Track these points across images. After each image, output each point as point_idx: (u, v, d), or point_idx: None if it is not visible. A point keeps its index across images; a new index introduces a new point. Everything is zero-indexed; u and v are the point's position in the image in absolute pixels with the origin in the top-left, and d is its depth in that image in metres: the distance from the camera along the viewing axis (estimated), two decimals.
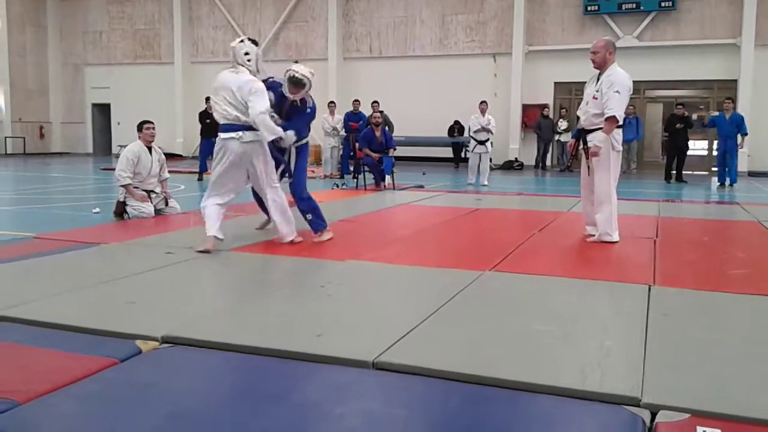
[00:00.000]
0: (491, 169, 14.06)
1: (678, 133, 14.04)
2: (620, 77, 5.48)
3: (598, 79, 5.62)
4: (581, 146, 5.77)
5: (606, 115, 5.43)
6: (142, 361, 2.77)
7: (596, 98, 5.54)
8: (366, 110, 12.75)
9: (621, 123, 5.55)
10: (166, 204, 7.62)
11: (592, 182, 5.74)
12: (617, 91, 5.40)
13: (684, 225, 7.36)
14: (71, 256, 4.92)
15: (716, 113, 14.14)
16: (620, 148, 5.69)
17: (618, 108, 5.42)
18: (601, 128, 5.53)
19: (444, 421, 2.25)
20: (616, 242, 5.62)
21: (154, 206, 7.42)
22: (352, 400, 2.40)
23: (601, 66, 5.61)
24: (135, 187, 7.26)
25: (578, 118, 5.96)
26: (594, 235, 5.79)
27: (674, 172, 14.29)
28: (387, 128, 13.86)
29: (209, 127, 13.64)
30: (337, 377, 2.62)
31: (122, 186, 7.24)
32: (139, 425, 2.17)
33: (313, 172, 15.31)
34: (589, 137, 5.65)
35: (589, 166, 5.75)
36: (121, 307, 3.57)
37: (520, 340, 3.07)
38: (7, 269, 4.45)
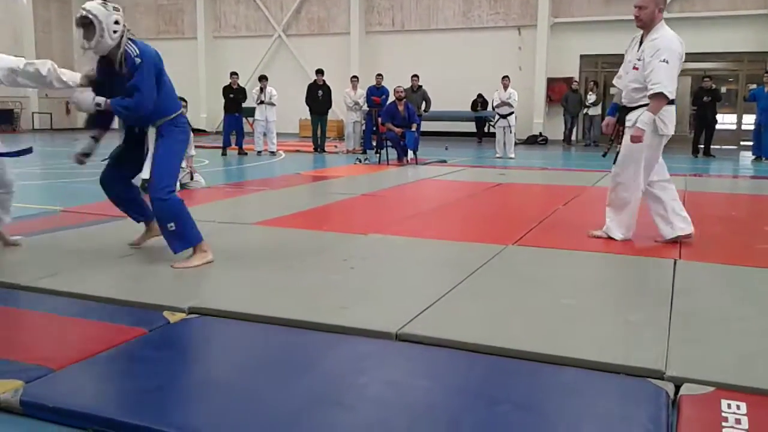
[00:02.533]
0: (515, 143, 13.96)
1: (706, 107, 13.79)
2: (668, 41, 4.36)
3: (640, 44, 4.53)
4: (621, 127, 4.65)
5: (651, 91, 4.29)
6: (170, 331, 2.83)
7: (637, 68, 4.43)
8: (398, 82, 12.63)
9: (672, 99, 4.37)
10: (191, 178, 7.69)
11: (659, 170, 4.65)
12: (665, 60, 4.27)
13: (711, 199, 7.26)
14: (98, 230, 5.01)
15: (754, 86, 13.87)
16: (668, 131, 4.48)
17: (667, 81, 4.26)
18: (643, 105, 4.40)
19: (467, 392, 2.28)
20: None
21: (180, 180, 7.49)
22: (375, 370, 2.44)
23: (647, 25, 4.45)
24: None
25: (606, 94, 5.34)
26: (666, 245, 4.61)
27: (702, 146, 14.06)
28: (425, 104, 13.81)
29: (233, 102, 13.70)
30: (360, 348, 2.65)
31: None
32: (168, 393, 2.22)
33: (335, 147, 15.33)
34: (630, 116, 4.51)
35: (617, 153, 4.67)
36: (149, 279, 3.63)
37: (543, 313, 3.07)
38: (36, 242, 4.55)
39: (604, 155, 4.99)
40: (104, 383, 2.32)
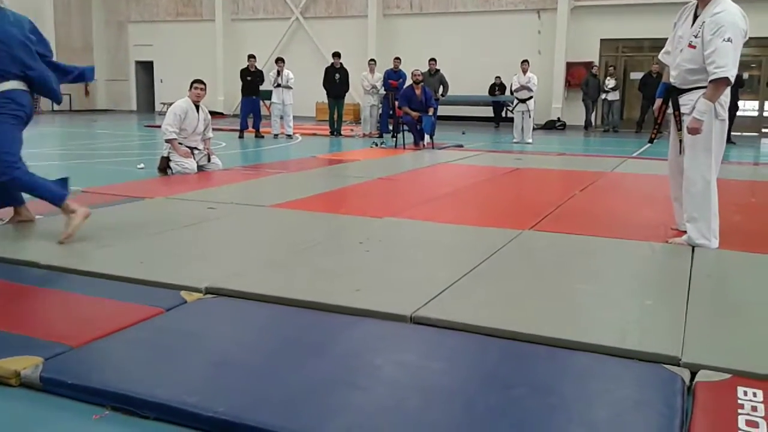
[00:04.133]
0: (533, 128, 13.87)
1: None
2: (732, 16, 3.78)
3: (694, 18, 3.97)
4: (672, 111, 4.14)
5: (713, 76, 3.77)
6: (187, 310, 2.85)
7: (694, 46, 3.87)
8: (415, 66, 12.59)
9: (734, 82, 3.87)
10: (209, 160, 7.73)
11: (683, 162, 4.13)
12: (728, 39, 3.73)
13: (731, 186, 7.17)
14: (117, 210, 5.05)
15: None
16: (725, 115, 4.01)
17: (731, 65, 3.75)
18: (698, 88, 3.92)
19: (481, 375, 2.28)
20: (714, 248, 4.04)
21: (197, 162, 7.53)
22: (390, 352, 2.44)
23: None
24: (179, 143, 7.38)
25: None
26: (681, 235, 4.24)
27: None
28: (442, 87, 13.75)
29: (250, 84, 13.71)
30: (375, 330, 2.66)
31: (167, 141, 7.35)
32: (184, 371, 2.25)
33: (352, 130, 15.31)
34: (684, 100, 4.03)
35: (681, 140, 4.11)
36: (167, 259, 3.67)
37: (558, 297, 3.06)
38: (57, 221, 4.59)
39: (650, 141, 4.53)
40: (122, 361, 2.35)
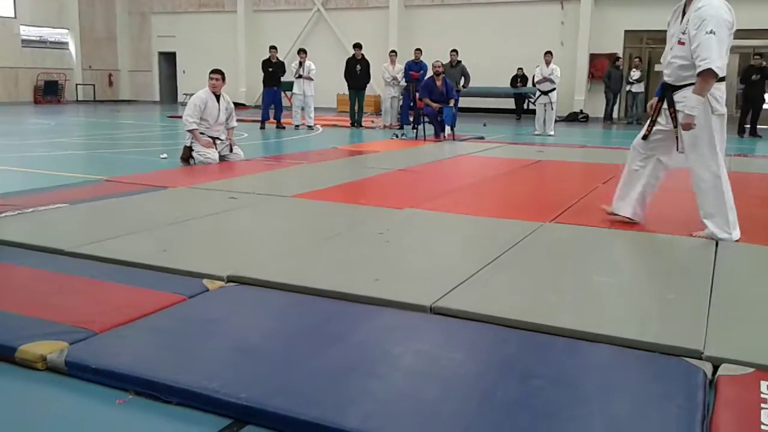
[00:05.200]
0: (555, 120, 13.76)
1: (754, 85, 13.34)
2: (714, 9, 3.86)
3: (683, 14, 4.06)
4: (668, 108, 4.17)
5: (699, 69, 3.83)
6: (209, 298, 2.88)
7: (683, 42, 3.97)
8: (437, 57, 12.55)
9: (723, 76, 3.90)
10: (231, 150, 7.77)
11: (673, 158, 4.24)
12: (711, 32, 3.80)
13: (756, 180, 7.07)
14: (141, 199, 5.11)
15: None
16: (723, 110, 4.01)
17: (715, 56, 3.79)
18: (692, 84, 3.95)
19: (500, 366, 2.28)
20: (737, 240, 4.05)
21: (219, 152, 7.59)
22: (409, 341, 2.45)
23: None
24: (201, 133, 7.43)
25: (650, 71, 4.60)
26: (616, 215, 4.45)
27: (748, 126, 13.65)
28: (464, 79, 13.69)
29: (272, 75, 13.74)
30: (395, 320, 2.67)
31: (189, 131, 7.42)
32: (206, 357, 2.28)
33: (372, 122, 15.30)
34: (677, 97, 4.08)
35: (677, 137, 4.13)
36: (189, 248, 3.71)
37: (579, 290, 3.05)
38: (81, 209, 4.66)
39: (644, 138, 4.55)
40: (145, 346, 2.38)
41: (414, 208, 4.89)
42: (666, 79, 4.20)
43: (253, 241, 3.92)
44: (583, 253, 3.76)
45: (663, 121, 4.26)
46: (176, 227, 4.18)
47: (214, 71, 7.61)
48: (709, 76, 3.83)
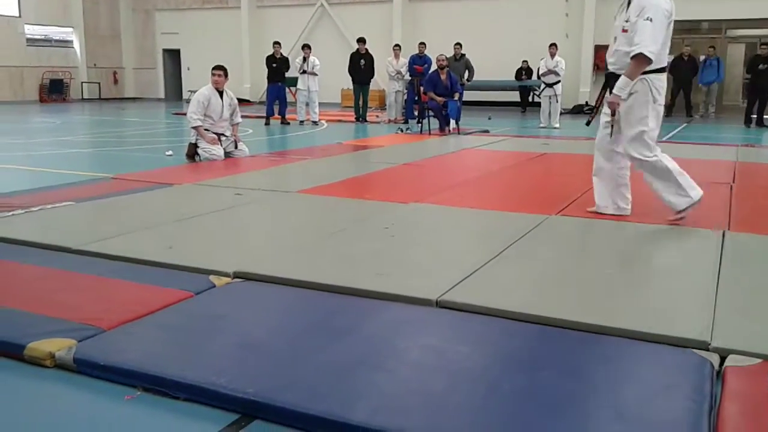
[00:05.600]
0: (560, 113, 13.71)
1: (761, 75, 13.25)
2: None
3: (628, 6, 4.16)
4: (608, 94, 4.28)
5: (632, 53, 3.97)
6: (216, 294, 2.89)
7: (626, 30, 4.10)
8: (437, 51, 12.53)
9: (663, 66, 4.07)
10: (236, 147, 7.78)
11: (613, 144, 4.39)
12: (648, 18, 3.94)
13: (763, 170, 7.04)
14: (147, 196, 5.12)
15: None
16: (662, 101, 4.17)
17: (649, 41, 3.92)
18: (655, 71, 4.11)
19: (507, 358, 2.28)
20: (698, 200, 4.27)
21: (224, 149, 7.60)
22: (416, 335, 2.46)
23: None
24: (206, 130, 7.44)
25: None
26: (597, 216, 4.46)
27: (755, 116, 13.58)
28: (468, 72, 13.66)
29: (276, 71, 13.74)
30: (401, 314, 2.68)
31: (193, 128, 7.43)
32: (214, 353, 2.29)
33: (377, 116, 15.28)
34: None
35: (613, 124, 4.29)
36: (196, 245, 3.71)
37: (585, 283, 3.04)
38: (87, 207, 4.68)
39: (587, 124, 4.86)
40: (153, 343, 2.39)
41: (419, 203, 4.89)
42: (610, 68, 4.29)
43: (259, 237, 3.93)
44: (590, 246, 3.75)
45: (607, 112, 4.37)
46: (182, 224, 4.19)
47: (216, 67, 7.62)
48: (640, 60, 3.97)
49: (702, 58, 16.13)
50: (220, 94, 7.58)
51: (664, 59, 4.16)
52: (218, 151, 7.46)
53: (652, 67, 4.06)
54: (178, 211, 4.51)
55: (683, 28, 18.32)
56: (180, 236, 3.90)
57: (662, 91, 4.17)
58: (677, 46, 17.60)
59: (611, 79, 4.25)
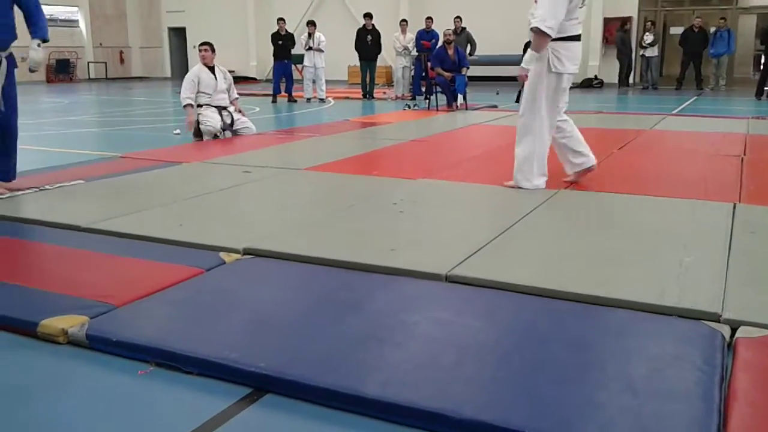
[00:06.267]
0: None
1: None
2: None
3: None
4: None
5: (531, 26, 4.07)
6: (226, 271, 2.90)
7: (537, 1, 4.16)
8: (444, 26, 12.44)
9: (570, 35, 4.15)
10: (237, 121, 7.70)
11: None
12: None
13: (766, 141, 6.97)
14: (156, 174, 5.13)
15: None
16: (565, 69, 4.26)
17: (547, 15, 4.00)
18: (559, 39, 4.16)
19: (517, 331, 2.29)
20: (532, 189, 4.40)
21: (227, 123, 7.56)
22: (426, 310, 2.46)
23: None
24: (206, 105, 7.41)
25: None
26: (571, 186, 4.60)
27: (767, 88, 13.38)
28: (470, 46, 13.53)
29: (282, 48, 13.66)
30: (411, 289, 2.68)
31: (184, 107, 7.45)
32: (225, 328, 2.30)
33: (384, 93, 15.20)
34: (527, 55, 4.44)
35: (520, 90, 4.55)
36: (205, 222, 3.72)
37: (595, 256, 3.03)
38: (97, 186, 4.69)
39: (517, 101, 4.89)
40: (164, 319, 2.41)
41: (428, 179, 4.87)
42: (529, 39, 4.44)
43: (267, 214, 3.93)
44: (599, 219, 3.74)
45: None
46: (191, 202, 4.20)
47: (203, 43, 7.69)
48: (538, 33, 4.05)
49: (712, 29, 15.88)
50: (212, 69, 7.55)
51: (571, 29, 4.18)
52: (214, 120, 7.39)
53: (558, 35, 4.10)
54: (187, 190, 4.52)
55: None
56: (189, 214, 3.91)
57: (564, 59, 4.21)
58: (687, 18, 17.38)
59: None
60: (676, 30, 17.54)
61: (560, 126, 4.56)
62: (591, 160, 4.63)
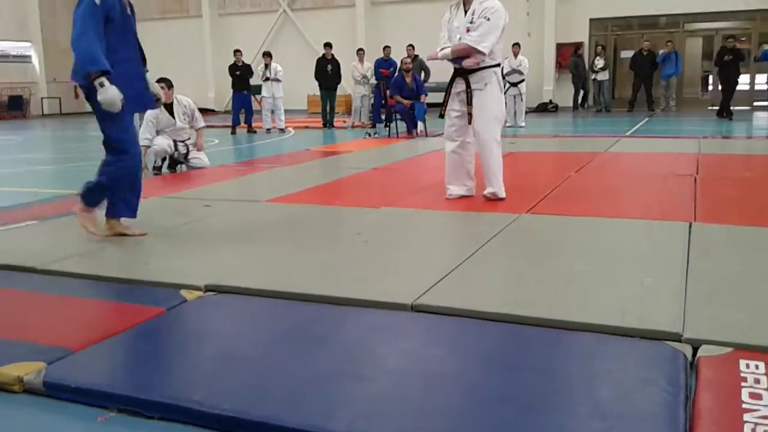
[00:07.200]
0: (525, 111, 13.84)
1: (727, 66, 13.43)
2: (494, 2, 4.74)
3: (465, 11, 4.83)
4: (465, 89, 4.92)
5: (467, 43, 4.72)
6: (188, 309, 2.85)
7: (471, 30, 4.74)
8: (401, 54, 12.61)
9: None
10: (187, 155, 7.60)
11: (469, 131, 5.04)
12: (488, 18, 4.67)
13: (726, 161, 7.18)
14: None
15: (766, 46, 13.64)
16: (503, 89, 5.12)
17: (488, 40, 4.70)
18: (488, 67, 4.81)
19: (484, 360, 2.28)
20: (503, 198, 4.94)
21: (181, 153, 7.46)
22: (393, 341, 2.45)
23: None
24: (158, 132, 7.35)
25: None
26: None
27: (720, 108, 13.77)
28: (423, 73, 13.71)
29: (240, 79, 13.64)
30: (377, 320, 2.66)
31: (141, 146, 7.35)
32: (188, 369, 2.25)
33: (344, 122, 15.26)
34: (474, 78, 4.87)
35: (470, 113, 4.91)
36: (164, 258, 3.66)
37: (558, 280, 3.06)
38: (52, 225, 4.58)
39: (441, 116, 5.23)
40: (125, 362, 2.35)
41: (390, 207, 4.88)
42: (458, 64, 4.89)
43: (229, 249, 3.88)
44: (561, 242, 3.78)
45: (457, 105, 5.01)
46: (151, 238, 4.12)
47: (159, 80, 7.52)
48: (474, 50, 4.70)
49: (661, 52, 16.42)
50: (170, 107, 7.44)
51: (500, 52, 4.98)
52: (162, 142, 7.29)
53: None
54: (147, 226, 4.43)
55: (642, 24, 18.67)
56: (149, 251, 3.84)
57: (501, 80, 5.02)
58: (637, 41, 17.93)
59: (463, 73, 4.90)
60: (627, 53, 18.10)
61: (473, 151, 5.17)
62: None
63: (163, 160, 7.37)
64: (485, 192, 5.00)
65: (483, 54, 4.71)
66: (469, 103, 4.90)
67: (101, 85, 3.69)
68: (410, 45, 13.87)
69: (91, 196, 4.10)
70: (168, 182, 6.70)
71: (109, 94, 3.70)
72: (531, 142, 9.85)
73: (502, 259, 3.48)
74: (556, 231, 4.08)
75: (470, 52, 4.74)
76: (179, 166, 7.45)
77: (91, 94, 3.80)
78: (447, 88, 5.08)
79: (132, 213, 4.20)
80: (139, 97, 4.05)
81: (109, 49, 3.74)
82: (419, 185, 6.03)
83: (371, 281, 3.10)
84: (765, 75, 17.59)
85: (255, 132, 13.46)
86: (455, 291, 2.93)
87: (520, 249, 3.69)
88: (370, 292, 2.92)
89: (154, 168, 7.39)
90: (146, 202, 5.37)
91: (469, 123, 4.96)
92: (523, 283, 3.04)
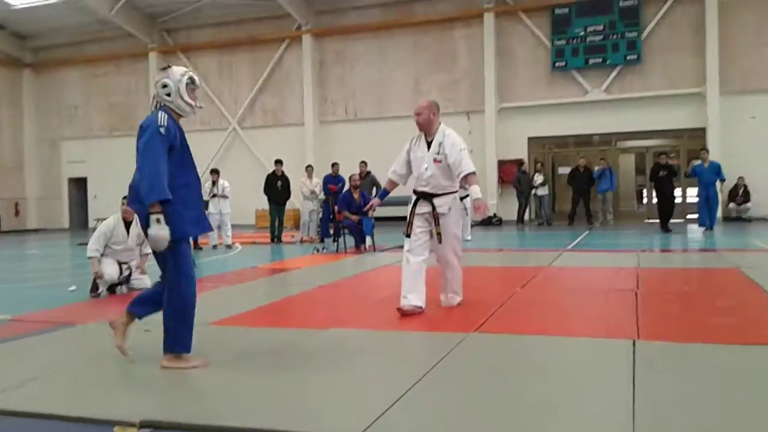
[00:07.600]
0: (471, 225, 14.15)
1: (662, 181, 14.14)
2: (457, 135, 5.34)
3: (428, 144, 5.31)
4: (431, 211, 5.33)
5: (466, 172, 5.14)
6: None
7: (439, 161, 5.22)
8: (353, 170, 12.93)
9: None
10: (129, 278, 7.42)
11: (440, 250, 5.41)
12: (462, 149, 5.23)
13: (665, 275, 7.40)
14: (47, 339, 4.80)
15: (697, 162, 14.51)
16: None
17: (471, 164, 5.23)
18: (450, 193, 5.32)
19: None
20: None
21: (124, 275, 7.28)
22: None
23: (426, 127, 5.31)
24: (103, 254, 7.14)
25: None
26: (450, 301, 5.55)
27: (661, 221, 14.31)
28: (375, 189, 14.01)
29: None
30: None
31: (89, 258, 7.16)
32: None
33: (292, 236, 15.28)
34: (439, 202, 5.28)
35: (439, 233, 5.29)
36: (98, 392, 3.47)
37: (508, 409, 3.02)
38: None
39: (407, 236, 5.46)
40: None
41: (339, 328, 4.81)
42: (423, 189, 5.35)
43: (168, 380, 3.71)
44: (509, 367, 3.75)
45: (421, 224, 5.35)
46: (84, 370, 3.92)
47: (125, 197, 7.44)
48: (473, 175, 5.17)
49: (596, 168, 17.26)
50: (128, 224, 7.35)
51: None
52: (111, 270, 7.10)
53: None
54: (81, 355, 4.25)
55: (578, 141, 19.70)
56: (82, 384, 3.64)
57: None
58: (573, 158, 18.84)
59: (427, 198, 5.32)
60: (564, 170, 18.96)
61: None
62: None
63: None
64: (454, 302, 5.49)
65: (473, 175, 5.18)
66: (437, 224, 5.29)
67: (158, 221, 3.71)
68: (363, 161, 14.26)
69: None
70: (106, 306, 6.47)
71: (161, 233, 3.72)
72: (478, 256, 10.01)
73: (449, 384, 3.42)
74: (502, 352, 4.07)
75: (473, 176, 5.20)
76: (119, 287, 7.25)
77: (147, 224, 3.78)
78: (411, 210, 5.44)
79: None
80: (198, 222, 4.11)
81: (170, 175, 3.86)
82: (367, 303, 5.99)
83: (319, 412, 2.99)
84: (695, 189, 18.58)
85: (201, 248, 13.31)
86: (404, 421, 2.85)
87: (468, 372, 3.64)
88: (315, 424, 2.81)
89: (91, 291, 7.15)
90: (83, 328, 5.18)
91: (440, 242, 5.31)
92: (470, 410, 2.98)
